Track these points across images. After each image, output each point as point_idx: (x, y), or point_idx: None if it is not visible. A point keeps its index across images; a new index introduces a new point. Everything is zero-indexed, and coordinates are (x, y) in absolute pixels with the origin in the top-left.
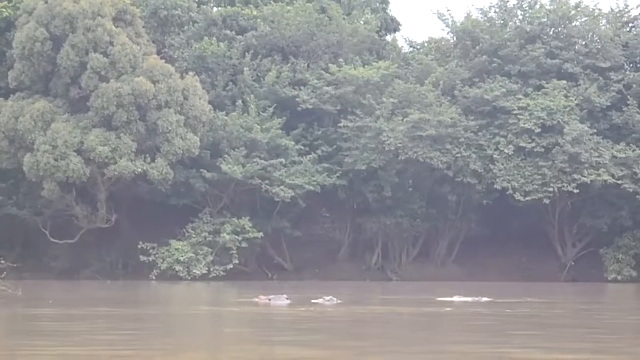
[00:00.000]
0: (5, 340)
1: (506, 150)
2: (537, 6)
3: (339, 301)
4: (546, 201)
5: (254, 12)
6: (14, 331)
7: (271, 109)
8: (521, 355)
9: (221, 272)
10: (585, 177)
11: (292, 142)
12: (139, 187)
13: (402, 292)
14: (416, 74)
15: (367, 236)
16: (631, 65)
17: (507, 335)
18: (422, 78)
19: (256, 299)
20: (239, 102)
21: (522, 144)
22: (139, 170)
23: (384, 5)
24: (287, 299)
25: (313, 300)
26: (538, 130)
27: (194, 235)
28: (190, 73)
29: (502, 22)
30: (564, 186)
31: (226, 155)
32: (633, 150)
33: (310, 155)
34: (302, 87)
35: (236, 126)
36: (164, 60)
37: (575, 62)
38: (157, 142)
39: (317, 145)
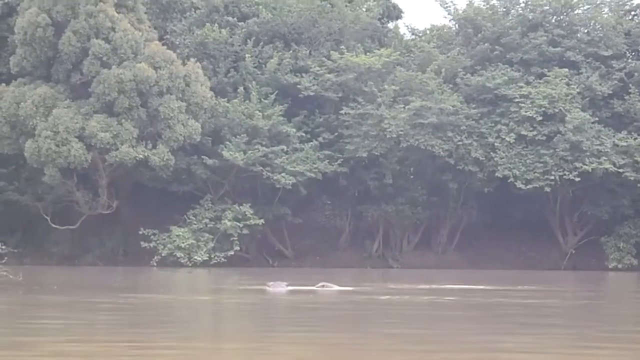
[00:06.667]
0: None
1: (507, 139)
2: None
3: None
4: (547, 189)
5: None
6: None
7: (273, 96)
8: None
9: (222, 259)
10: (586, 165)
11: (294, 129)
12: (140, 174)
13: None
14: (418, 62)
15: (368, 224)
16: (633, 53)
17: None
18: (423, 66)
19: (266, 287)
20: (241, 89)
21: (524, 132)
22: (141, 156)
23: None
24: (287, 285)
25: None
26: (539, 118)
27: (195, 222)
28: (192, 59)
29: (504, 9)
30: (565, 174)
31: (227, 142)
32: (634, 139)
33: (311, 143)
34: (303, 74)
35: (238, 113)
36: (165, 47)
37: (577, 51)
38: (158, 129)
39: (318, 133)
